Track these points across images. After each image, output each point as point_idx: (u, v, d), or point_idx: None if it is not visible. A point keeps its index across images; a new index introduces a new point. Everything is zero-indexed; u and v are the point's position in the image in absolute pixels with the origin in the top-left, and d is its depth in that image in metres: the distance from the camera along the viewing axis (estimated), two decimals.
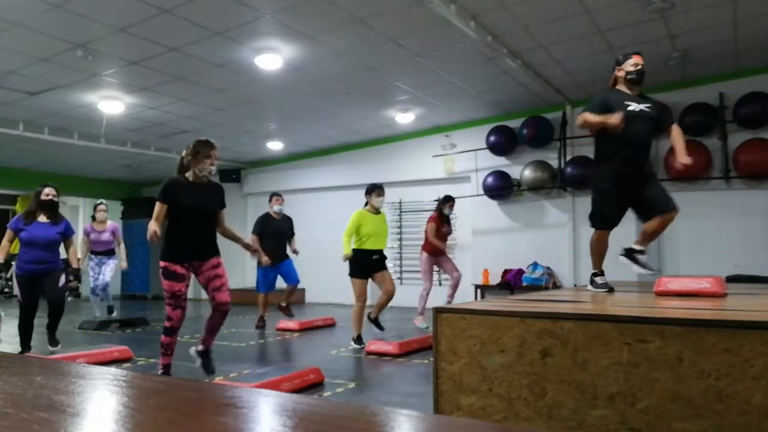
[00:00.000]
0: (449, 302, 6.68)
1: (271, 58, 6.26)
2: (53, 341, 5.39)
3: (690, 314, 2.11)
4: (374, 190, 5.99)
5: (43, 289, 5.13)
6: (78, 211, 14.51)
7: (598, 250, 3.65)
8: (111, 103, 7.64)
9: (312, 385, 4.05)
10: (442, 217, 7.13)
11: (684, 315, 2.07)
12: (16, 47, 5.79)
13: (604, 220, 3.59)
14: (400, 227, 10.32)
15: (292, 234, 7.24)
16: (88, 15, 5.15)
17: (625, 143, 3.48)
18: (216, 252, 4.02)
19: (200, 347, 4.11)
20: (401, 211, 10.38)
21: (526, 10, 5.40)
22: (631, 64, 3.59)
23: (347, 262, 5.81)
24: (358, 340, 5.78)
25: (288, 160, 11.67)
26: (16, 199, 14.62)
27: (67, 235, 5.27)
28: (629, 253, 3.71)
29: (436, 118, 9.22)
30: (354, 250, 5.79)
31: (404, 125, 9.47)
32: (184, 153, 4.02)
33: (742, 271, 6.66)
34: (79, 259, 5.73)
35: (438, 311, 2.43)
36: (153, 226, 3.66)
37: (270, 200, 7.26)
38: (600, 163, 3.66)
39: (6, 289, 13.44)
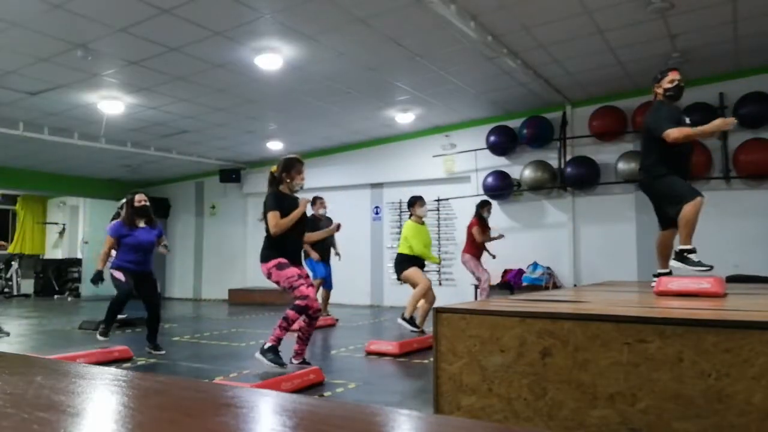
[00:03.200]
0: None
1: (271, 58, 6.26)
2: (156, 347, 5.45)
3: (690, 314, 2.10)
4: (417, 201, 6.17)
5: (140, 292, 5.34)
6: (78, 211, 14.53)
7: (695, 221, 3.59)
8: (111, 103, 7.64)
9: (312, 385, 4.05)
10: (482, 221, 7.58)
11: (684, 315, 2.07)
12: (16, 47, 5.79)
13: (690, 189, 3.60)
14: (400, 227, 10.31)
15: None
16: (88, 15, 5.15)
17: (684, 156, 3.72)
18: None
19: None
20: (401, 212, 10.38)
21: (526, 10, 5.40)
22: (668, 80, 3.75)
23: (399, 262, 6.02)
24: (411, 321, 5.93)
25: None
26: (16, 199, 14.64)
27: (160, 235, 5.57)
28: (679, 255, 3.67)
29: (436, 118, 9.22)
30: (405, 254, 5.98)
31: (404, 125, 9.48)
32: (274, 169, 4.35)
33: (742, 271, 6.67)
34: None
35: (438, 311, 2.42)
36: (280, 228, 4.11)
37: (314, 203, 7.59)
38: (662, 172, 3.71)
39: (6, 289, 13.46)
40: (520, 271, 8.67)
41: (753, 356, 1.79)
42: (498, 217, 9.17)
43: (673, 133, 3.53)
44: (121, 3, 4.97)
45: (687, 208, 3.56)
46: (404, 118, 9.01)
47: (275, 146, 10.64)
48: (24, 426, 0.66)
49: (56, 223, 14.98)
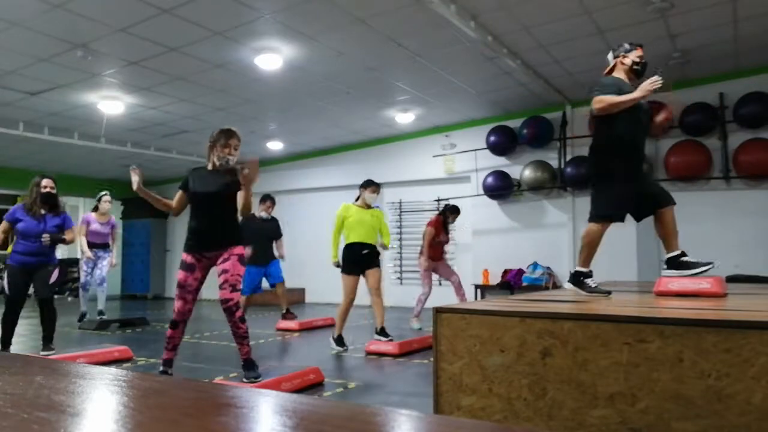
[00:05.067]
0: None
1: (271, 58, 6.26)
2: (47, 346, 5.13)
3: (690, 314, 2.10)
4: (369, 186, 5.78)
5: (34, 284, 4.99)
6: (78, 211, 14.52)
7: (591, 243, 3.37)
8: (111, 103, 7.64)
9: (312, 385, 4.05)
10: (442, 224, 7.04)
11: (684, 315, 2.07)
12: (16, 47, 5.79)
13: (605, 208, 3.31)
14: (400, 227, 10.32)
15: (280, 235, 7.28)
16: (88, 15, 5.15)
17: (634, 135, 3.33)
18: (228, 243, 3.86)
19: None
20: (401, 211, 10.38)
21: (526, 10, 5.40)
22: (638, 55, 3.47)
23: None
24: (339, 341, 5.56)
25: (288, 160, 11.67)
26: (16, 199, 14.64)
27: (65, 227, 5.18)
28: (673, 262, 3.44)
29: (436, 118, 9.22)
30: (345, 246, 5.65)
31: (404, 125, 9.47)
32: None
33: (742, 271, 6.66)
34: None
35: (438, 311, 2.42)
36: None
37: (263, 202, 7.17)
38: (601, 155, 3.38)
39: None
40: (520, 271, 8.67)
41: (753, 356, 1.79)
42: (498, 217, 9.18)
43: (595, 103, 3.22)
44: (121, 3, 4.97)
45: (591, 228, 3.33)
46: (404, 118, 9.01)
47: (275, 146, 10.64)
48: (24, 426, 0.66)
49: None
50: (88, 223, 7.12)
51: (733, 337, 1.82)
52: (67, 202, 15.64)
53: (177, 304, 3.89)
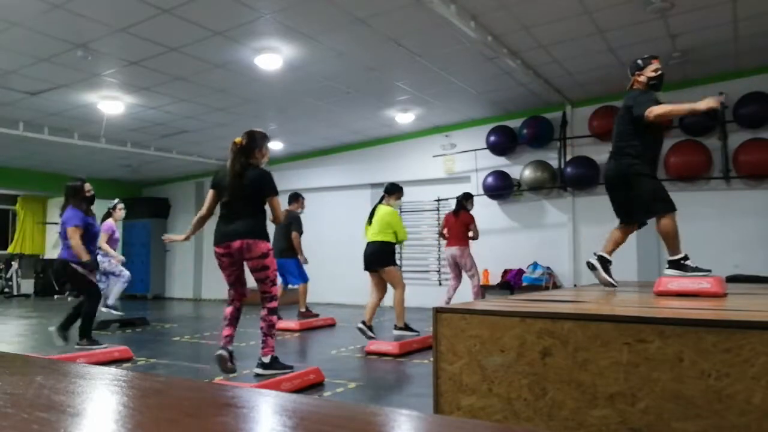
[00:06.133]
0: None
1: (271, 58, 6.26)
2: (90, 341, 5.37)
3: (690, 314, 2.10)
4: (396, 191, 6.26)
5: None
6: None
7: (676, 233, 3.49)
8: (111, 103, 7.64)
9: (312, 385, 4.05)
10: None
11: (684, 315, 2.07)
12: (16, 47, 5.79)
13: (670, 201, 3.48)
14: None
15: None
16: (88, 15, 5.15)
17: (658, 143, 3.65)
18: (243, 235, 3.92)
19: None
20: (401, 211, 10.36)
21: (526, 10, 5.40)
22: (652, 69, 3.63)
23: (386, 252, 5.89)
24: (408, 327, 5.92)
25: (288, 160, 11.67)
26: (16, 199, 14.63)
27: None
28: (675, 265, 3.52)
29: (436, 118, 9.22)
30: (390, 243, 5.92)
31: (404, 125, 9.48)
32: (239, 140, 4.11)
33: (742, 271, 6.66)
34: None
35: (438, 311, 2.42)
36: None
37: (296, 201, 7.61)
38: (638, 159, 3.57)
39: (6, 289, 13.45)
40: (520, 271, 8.67)
41: (753, 356, 1.79)
42: (498, 217, 9.18)
43: (656, 110, 3.40)
44: (121, 3, 4.97)
45: (665, 222, 3.46)
46: (404, 118, 9.01)
47: (275, 146, 10.63)
48: (24, 426, 0.66)
49: (56, 223, 14.93)
50: (113, 231, 7.25)
51: (733, 337, 1.82)
52: None
53: (276, 289, 4.03)
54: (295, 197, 7.65)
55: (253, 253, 3.86)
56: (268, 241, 3.94)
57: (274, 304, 3.97)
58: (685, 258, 3.46)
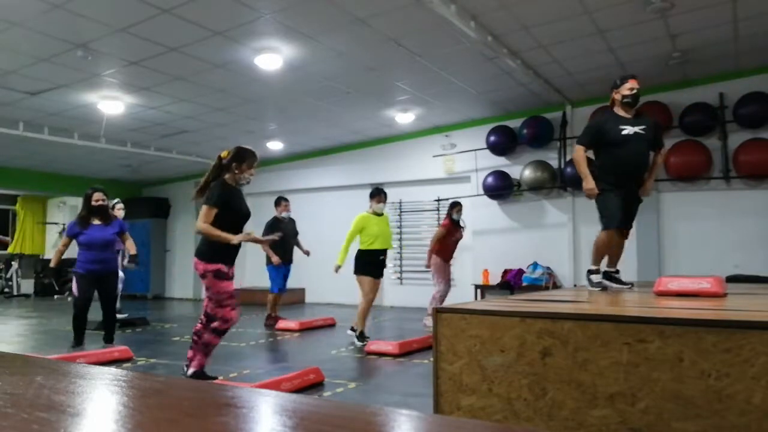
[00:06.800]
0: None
1: (271, 58, 6.26)
2: (110, 339, 5.59)
3: (690, 314, 2.10)
4: (376, 195, 6.17)
5: (99, 290, 5.41)
6: (76, 211, 14.51)
7: (601, 249, 3.92)
8: (111, 103, 7.64)
9: (312, 385, 4.05)
10: (453, 222, 7.24)
11: (684, 315, 2.07)
12: (16, 47, 5.79)
13: (613, 218, 3.84)
14: (400, 227, 10.31)
15: (296, 234, 7.61)
16: (88, 15, 5.15)
17: (621, 164, 3.86)
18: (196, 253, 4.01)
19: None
20: (401, 211, 10.38)
21: (526, 10, 5.40)
22: (627, 88, 3.85)
23: (357, 259, 5.97)
24: (362, 336, 5.87)
25: (288, 160, 11.67)
26: (16, 199, 14.63)
27: (122, 231, 5.71)
28: (607, 276, 4.02)
29: (436, 118, 9.22)
30: (363, 251, 5.96)
31: (404, 125, 9.47)
32: (224, 154, 4.10)
33: (742, 271, 6.66)
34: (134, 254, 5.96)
35: (438, 311, 2.43)
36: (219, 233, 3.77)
37: (278, 205, 7.57)
38: (600, 179, 3.95)
39: (6, 289, 13.45)
40: (520, 271, 8.67)
41: (753, 356, 1.79)
42: (498, 217, 9.18)
43: (576, 151, 3.94)
44: (121, 3, 4.97)
45: (600, 236, 3.95)
46: (404, 118, 9.01)
47: (275, 146, 10.64)
48: (24, 426, 0.66)
49: (56, 223, 14.97)
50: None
51: (733, 337, 1.82)
52: (67, 202, 15.64)
53: (233, 314, 3.91)
54: (277, 201, 7.60)
55: (198, 271, 3.88)
56: (217, 261, 3.81)
57: (214, 323, 3.88)
58: (597, 272, 3.97)
